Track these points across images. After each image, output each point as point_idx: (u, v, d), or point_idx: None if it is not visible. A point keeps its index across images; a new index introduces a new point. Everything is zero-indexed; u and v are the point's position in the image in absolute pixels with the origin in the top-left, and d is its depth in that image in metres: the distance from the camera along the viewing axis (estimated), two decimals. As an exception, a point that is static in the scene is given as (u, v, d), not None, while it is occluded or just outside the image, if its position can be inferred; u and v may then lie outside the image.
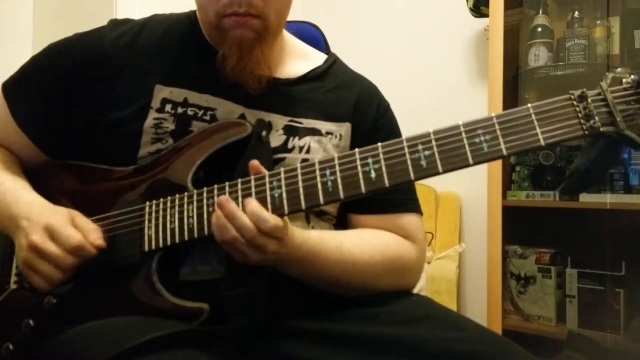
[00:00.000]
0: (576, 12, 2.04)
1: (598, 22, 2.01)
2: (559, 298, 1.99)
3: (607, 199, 1.82)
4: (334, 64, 1.07)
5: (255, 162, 0.82)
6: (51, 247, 0.81)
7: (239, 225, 0.77)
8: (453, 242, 2.43)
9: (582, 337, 1.85)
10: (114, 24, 1.00)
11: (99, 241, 0.84)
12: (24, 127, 0.97)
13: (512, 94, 2.08)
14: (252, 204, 0.78)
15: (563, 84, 2.02)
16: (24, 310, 0.89)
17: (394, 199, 0.99)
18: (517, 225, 2.05)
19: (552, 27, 2.08)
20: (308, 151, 0.96)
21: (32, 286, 0.89)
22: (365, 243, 0.94)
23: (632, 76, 0.70)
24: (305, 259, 0.85)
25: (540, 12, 2.09)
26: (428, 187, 2.45)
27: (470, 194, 2.48)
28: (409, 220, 1.01)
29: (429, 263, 2.27)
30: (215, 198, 0.82)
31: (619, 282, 1.85)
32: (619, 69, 0.71)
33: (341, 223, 1.02)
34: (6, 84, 1.00)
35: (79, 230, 0.84)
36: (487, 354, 0.79)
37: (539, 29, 2.07)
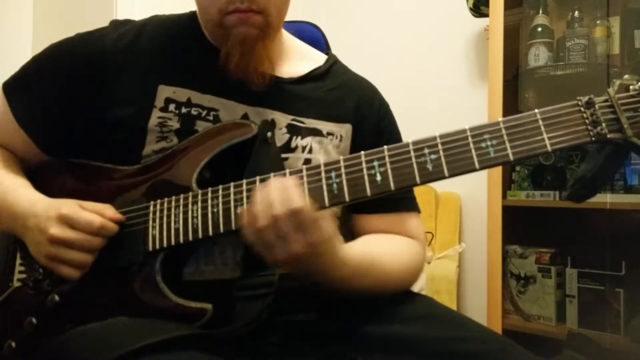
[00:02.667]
0: (576, 12, 2.04)
1: (598, 22, 2.01)
2: (559, 298, 2.00)
3: (607, 198, 1.82)
4: (334, 65, 1.08)
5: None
6: (75, 235, 0.82)
7: (268, 201, 0.74)
8: (453, 242, 2.43)
9: (582, 337, 1.85)
10: (115, 24, 1.00)
11: (117, 215, 0.86)
12: (24, 126, 0.97)
13: (512, 94, 2.08)
14: (290, 180, 0.77)
15: (563, 83, 2.03)
16: (26, 309, 0.89)
17: (396, 198, 0.99)
18: (517, 225, 2.05)
19: (552, 27, 2.08)
20: (310, 151, 0.97)
21: (35, 284, 0.89)
22: (394, 255, 0.95)
23: (639, 84, 0.71)
24: (343, 279, 0.84)
25: (540, 11, 2.09)
26: (428, 187, 2.44)
27: (470, 193, 2.48)
28: (411, 219, 1.03)
29: (429, 263, 2.27)
30: (220, 199, 0.82)
31: (619, 282, 1.85)
32: (626, 76, 0.72)
33: (344, 224, 1.02)
34: (7, 84, 0.99)
35: (93, 212, 0.84)
36: (488, 353, 0.79)
37: (539, 29, 2.07)
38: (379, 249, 0.95)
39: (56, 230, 0.82)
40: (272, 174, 0.80)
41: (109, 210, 0.86)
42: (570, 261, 1.99)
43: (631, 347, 1.79)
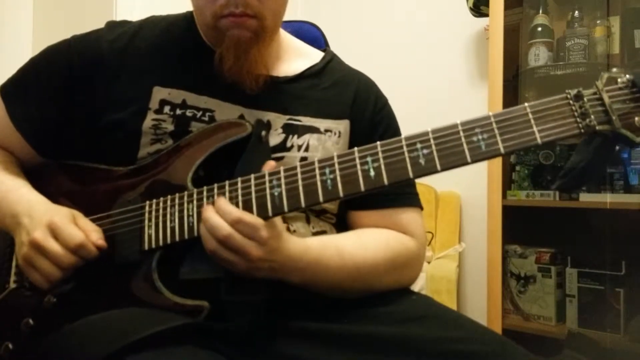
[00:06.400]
0: (576, 12, 2.04)
1: (598, 21, 2.01)
2: (559, 298, 2.00)
3: (607, 198, 1.82)
4: (331, 61, 1.08)
5: (271, 163, 0.83)
6: (53, 245, 0.82)
7: (210, 226, 0.77)
8: (453, 242, 2.43)
9: (582, 337, 1.85)
10: (111, 25, 1.00)
11: (101, 241, 0.85)
12: (21, 128, 0.97)
13: (512, 94, 2.08)
14: (220, 201, 0.79)
15: (563, 83, 2.02)
16: (23, 310, 0.89)
17: (393, 194, 0.99)
18: (517, 225, 2.05)
19: (552, 27, 2.08)
20: (307, 149, 0.96)
21: (31, 285, 0.89)
22: (366, 245, 0.94)
23: (627, 76, 0.71)
24: (306, 269, 0.85)
25: (541, 11, 2.10)
26: (428, 187, 2.45)
27: (470, 193, 2.48)
28: (407, 215, 1.01)
29: (429, 263, 2.27)
30: (216, 197, 0.82)
31: (619, 282, 1.85)
32: (615, 69, 0.72)
33: (341, 222, 1.02)
34: (4, 86, 1.00)
35: (81, 230, 0.84)
36: (487, 353, 0.79)
37: (539, 29, 2.07)
38: (347, 240, 0.93)
39: (39, 235, 0.82)
40: (266, 172, 0.81)
41: (95, 234, 0.85)
42: (570, 261, 1.99)
43: (631, 347, 1.78)
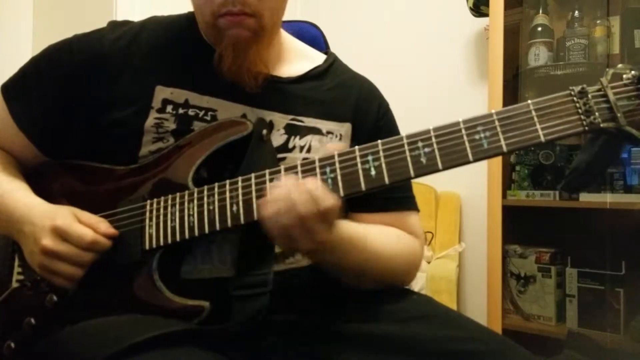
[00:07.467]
0: (576, 12, 2.05)
1: (598, 21, 2.01)
2: (559, 297, 2.00)
3: (607, 198, 1.82)
4: (333, 64, 1.08)
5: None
6: (66, 248, 0.83)
7: (290, 201, 0.75)
8: (453, 242, 2.43)
9: (582, 337, 1.85)
10: (113, 25, 1.00)
11: (110, 230, 0.86)
12: (23, 128, 0.97)
13: (512, 94, 2.08)
14: (317, 182, 0.77)
15: (563, 83, 2.02)
16: (25, 309, 0.90)
17: (395, 197, 1.00)
18: (517, 225, 2.05)
19: (552, 27, 2.08)
20: (309, 150, 0.97)
21: (33, 284, 0.90)
22: (383, 235, 0.96)
23: (633, 72, 0.70)
24: (339, 247, 0.86)
25: (541, 11, 2.10)
26: (428, 187, 2.44)
27: (470, 193, 2.48)
28: (409, 218, 1.02)
29: (429, 263, 2.27)
30: (216, 196, 0.82)
31: (619, 282, 1.85)
32: (620, 65, 0.71)
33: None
34: (6, 86, 1.00)
35: (87, 226, 0.84)
36: (487, 353, 0.79)
37: (539, 29, 2.07)
38: (373, 229, 0.95)
39: (48, 242, 0.83)
40: (267, 171, 0.81)
41: (102, 224, 0.86)
42: (570, 261, 1.99)
43: (631, 347, 1.78)
